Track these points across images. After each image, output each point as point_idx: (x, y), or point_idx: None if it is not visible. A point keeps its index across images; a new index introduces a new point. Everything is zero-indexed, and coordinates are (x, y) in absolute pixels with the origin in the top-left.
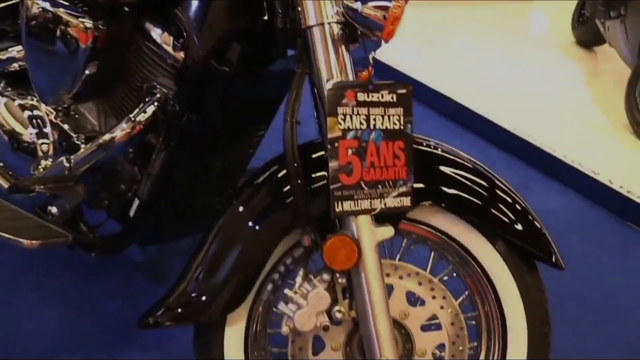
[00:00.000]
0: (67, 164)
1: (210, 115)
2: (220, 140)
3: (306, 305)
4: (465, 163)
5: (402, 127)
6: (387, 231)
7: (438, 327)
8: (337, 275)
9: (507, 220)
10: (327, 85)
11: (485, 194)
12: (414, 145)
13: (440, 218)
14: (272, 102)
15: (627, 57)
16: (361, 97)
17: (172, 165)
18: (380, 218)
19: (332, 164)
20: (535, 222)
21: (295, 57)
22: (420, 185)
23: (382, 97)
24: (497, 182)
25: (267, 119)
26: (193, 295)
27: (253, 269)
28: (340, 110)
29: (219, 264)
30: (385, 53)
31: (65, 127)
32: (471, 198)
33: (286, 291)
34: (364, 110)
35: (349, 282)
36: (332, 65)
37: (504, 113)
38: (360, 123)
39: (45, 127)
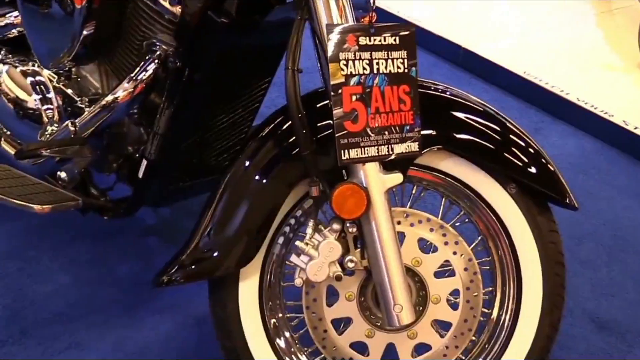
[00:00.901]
0: (72, 128)
1: (211, 69)
2: (224, 95)
3: (318, 256)
4: (475, 106)
5: (406, 70)
6: (396, 178)
7: (451, 273)
8: (348, 224)
9: (518, 162)
10: (327, 30)
11: (496, 136)
12: (422, 90)
13: (450, 163)
14: (273, 53)
15: None
16: (363, 40)
17: (178, 123)
18: (389, 165)
19: (337, 111)
20: (549, 165)
21: (294, 4)
22: (429, 130)
23: (385, 40)
24: (508, 124)
25: (270, 71)
26: (205, 251)
27: (263, 223)
28: (342, 55)
29: (229, 219)
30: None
31: (69, 91)
32: (481, 141)
33: (297, 243)
34: (366, 55)
35: (359, 231)
36: (331, 10)
37: (512, 56)
38: (364, 68)
39: (48, 92)
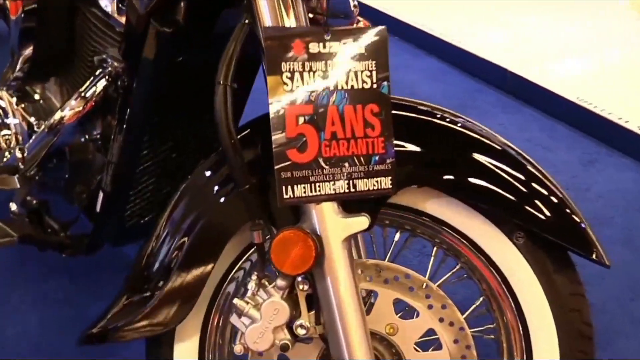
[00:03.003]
0: (19, 155)
1: (161, 85)
2: (181, 115)
3: (260, 319)
4: (487, 141)
5: (374, 85)
6: (360, 223)
7: (438, 345)
8: (299, 279)
9: (529, 208)
10: (265, 34)
11: (505, 176)
12: (417, 115)
13: (436, 203)
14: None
15: None
16: (314, 48)
17: (129, 150)
18: (353, 206)
19: (276, 137)
20: (573, 215)
21: (244, 7)
22: (409, 163)
23: (345, 47)
24: (529, 166)
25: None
26: (132, 304)
27: (200, 270)
28: (285, 66)
29: (160, 263)
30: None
31: (28, 114)
32: (479, 181)
33: (235, 301)
34: (319, 65)
35: (313, 290)
36: (277, 10)
37: (562, 79)
38: (315, 82)
39: (7, 116)
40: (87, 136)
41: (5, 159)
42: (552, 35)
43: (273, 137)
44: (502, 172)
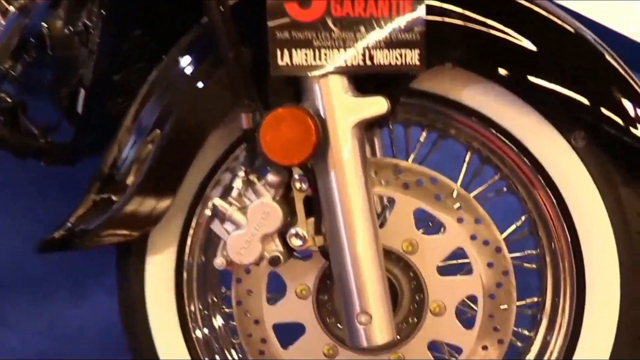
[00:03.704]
0: None
1: None
2: None
3: (246, 224)
4: (559, 21)
5: None
6: (376, 105)
7: (467, 269)
8: (296, 176)
9: (595, 100)
10: None
11: (572, 63)
12: None
13: (476, 92)
14: None
15: None
16: None
17: (115, 34)
18: (368, 85)
19: None
20: None
21: None
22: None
23: None
24: (607, 57)
25: None
26: (98, 206)
27: (177, 163)
28: None
29: (131, 155)
30: None
31: None
32: (535, 62)
33: (216, 201)
34: None
35: (313, 190)
36: None
37: None
38: None
39: None
40: (70, 27)
41: None
42: None
43: None
44: (571, 58)
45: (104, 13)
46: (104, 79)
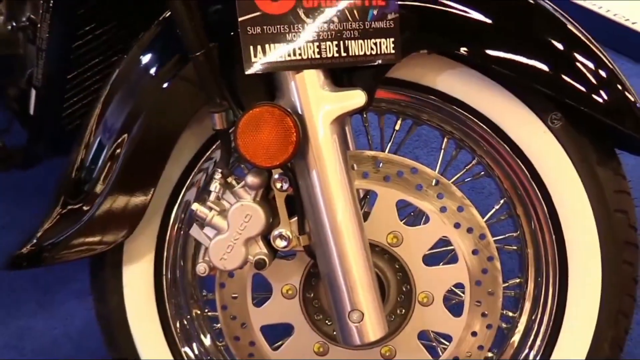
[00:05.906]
0: None
1: None
2: None
3: (227, 228)
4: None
5: None
6: (354, 98)
7: (452, 258)
8: (276, 177)
9: (572, 80)
10: None
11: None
12: None
13: (450, 77)
14: None
15: None
16: None
17: (64, 33)
18: (344, 77)
19: None
20: (626, 92)
21: None
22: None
23: None
24: (569, 27)
25: None
26: (67, 217)
27: (150, 168)
28: None
29: (98, 163)
30: None
31: None
32: (504, 42)
33: (194, 206)
34: None
35: (295, 189)
36: None
37: None
38: None
39: None
40: (13, 23)
41: None
42: None
43: None
44: (529, 29)
45: (50, 4)
46: (57, 78)
